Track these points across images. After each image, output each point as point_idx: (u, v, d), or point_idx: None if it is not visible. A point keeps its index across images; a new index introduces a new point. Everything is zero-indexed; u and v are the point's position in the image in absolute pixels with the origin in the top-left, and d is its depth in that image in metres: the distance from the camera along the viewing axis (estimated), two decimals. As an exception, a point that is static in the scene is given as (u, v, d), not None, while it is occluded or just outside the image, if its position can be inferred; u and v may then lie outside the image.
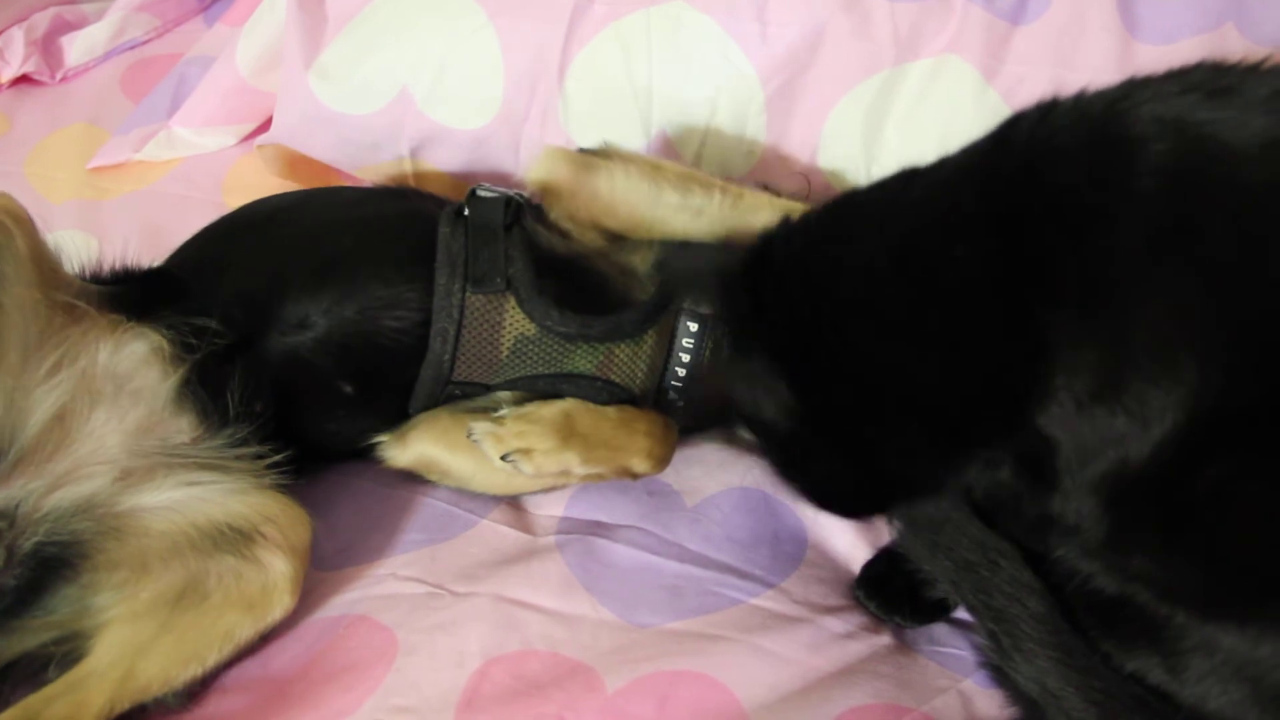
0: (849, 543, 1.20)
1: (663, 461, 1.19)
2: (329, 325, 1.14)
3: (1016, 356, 0.83)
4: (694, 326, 1.19)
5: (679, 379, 1.21)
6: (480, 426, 1.14)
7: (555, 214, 1.22)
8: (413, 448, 1.20)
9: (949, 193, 0.88)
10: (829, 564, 1.19)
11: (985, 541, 0.98)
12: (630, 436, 1.16)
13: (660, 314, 1.19)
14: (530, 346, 1.16)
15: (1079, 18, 1.30)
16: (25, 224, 1.07)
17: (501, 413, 1.15)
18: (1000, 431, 0.89)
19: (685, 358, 1.20)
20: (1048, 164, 0.82)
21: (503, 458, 1.13)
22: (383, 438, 1.20)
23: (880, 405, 0.91)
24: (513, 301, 1.15)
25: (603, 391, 1.19)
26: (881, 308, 0.89)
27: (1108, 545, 0.85)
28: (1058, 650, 0.93)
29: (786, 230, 1.00)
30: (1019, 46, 1.31)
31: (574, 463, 1.14)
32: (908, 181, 0.93)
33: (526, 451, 1.13)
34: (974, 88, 1.32)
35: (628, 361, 1.19)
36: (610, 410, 1.17)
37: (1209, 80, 0.81)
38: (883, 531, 1.20)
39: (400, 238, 1.21)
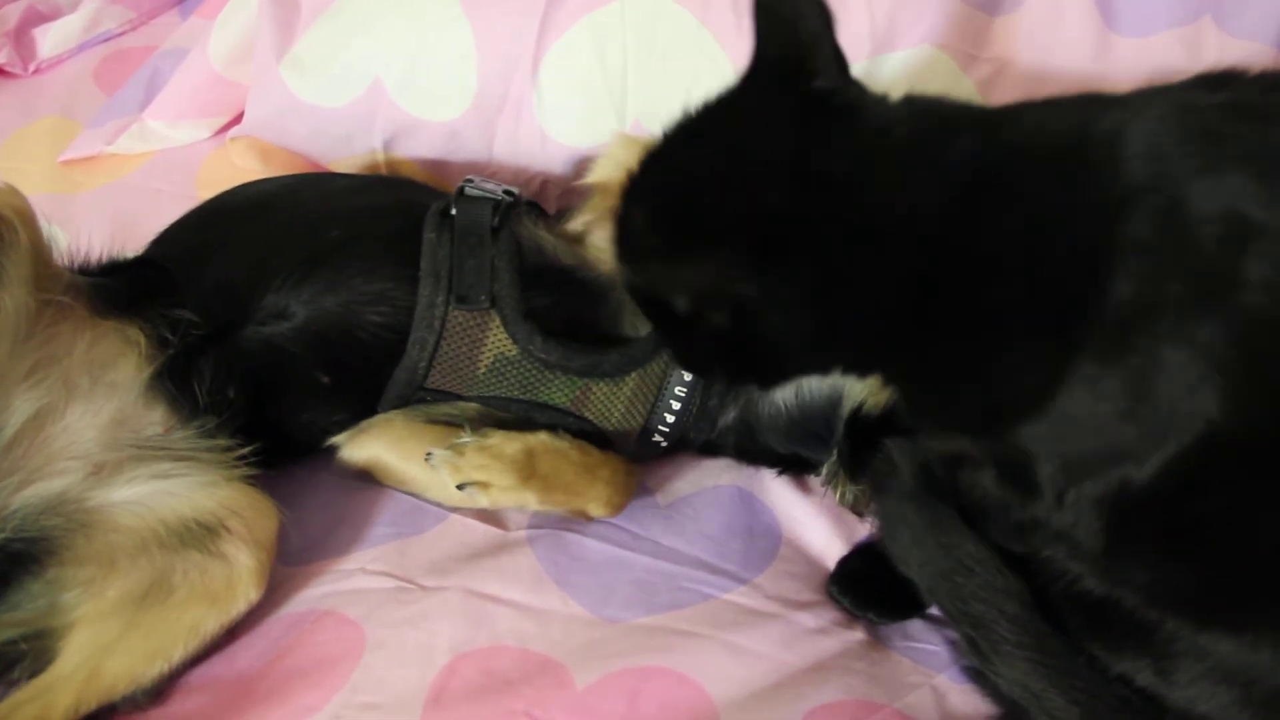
0: (824, 539, 1.19)
1: (619, 509, 1.17)
2: (308, 315, 1.13)
3: (1023, 375, 0.80)
4: (687, 376, 1.18)
5: (666, 425, 1.20)
6: (440, 454, 1.12)
7: (592, 217, 1.20)
8: (365, 449, 1.18)
9: (1008, 203, 0.80)
10: (803, 560, 1.18)
11: (960, 545, 0.97)
12: (591, 484, 1.15)
13: (646, 360, 1.17)
14: (509, 368, 1.15)
15: (1056, 9, 1.30)
16: (29, 220, 1.07)
17: (463, 440, 1.13)
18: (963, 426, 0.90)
19: (676, 405, 1.19)
20: (1122, 204, 0.76)
21: (459, 486, 1.12)
22: (339, 438, 1.19)
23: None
24: (497, 321, 1.13)
25: (573, 425, 1.18)
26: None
27: (1103, 556, 0.84)
28: (1038, 652, 0.92)
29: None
30: (996, 37, 1.31)
31: (530, 500, 1.14)
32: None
33: (484, 485, 1.12)
34: (951, 78, 1.31)
35: (604, 400, 1.17)
36: (574, 453, 1.15)
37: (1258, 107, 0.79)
38: (858, 528, 1.20)
39: (388, 232, 1.19)
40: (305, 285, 1.13)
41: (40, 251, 1.08)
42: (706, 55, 1.34)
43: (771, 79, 0.88)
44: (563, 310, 1.17)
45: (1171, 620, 0.84)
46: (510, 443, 1.13)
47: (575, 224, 1.21)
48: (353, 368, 1.16)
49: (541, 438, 1.15)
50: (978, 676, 1.00)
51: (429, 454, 1.13)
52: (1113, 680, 0.91)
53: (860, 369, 0.92)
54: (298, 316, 1.13)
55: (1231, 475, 0.77)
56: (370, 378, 1.16)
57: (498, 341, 1.14)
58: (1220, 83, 0.84)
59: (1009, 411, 0.82)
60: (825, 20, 0.85)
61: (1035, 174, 0.80)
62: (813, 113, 0.85)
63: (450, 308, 1.13)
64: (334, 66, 1.46)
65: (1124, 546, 0.84)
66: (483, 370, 1.15)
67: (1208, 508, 0.78)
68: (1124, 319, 0.75)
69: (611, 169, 1.19)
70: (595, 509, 1.16)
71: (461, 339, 1.13)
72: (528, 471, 1.12)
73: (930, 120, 0.86)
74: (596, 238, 1.20)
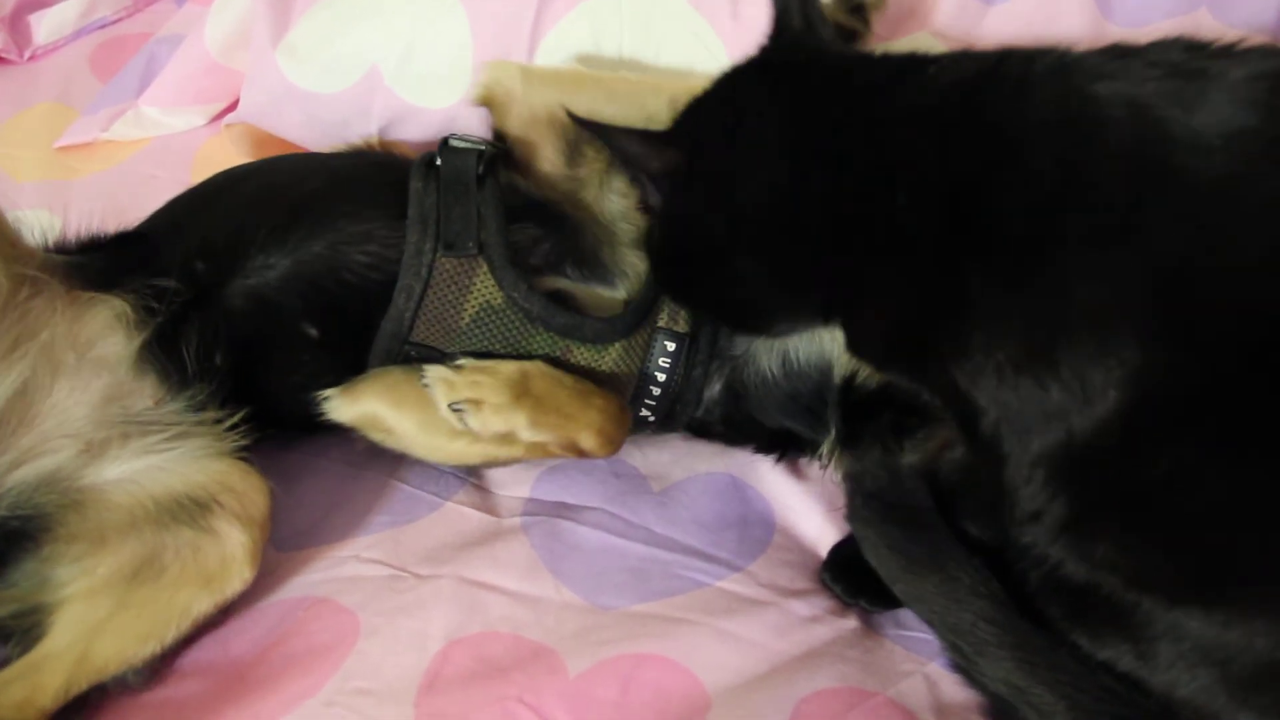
0: (817, 526, 1.19)
1: (612, 442, 1.16)
2: (294, 260, 1.12)
3: (936, 300, 0.84)
4: (670, 345, 1.18)
5: (653, 397, 1.20)
6: (435, 370, 1.11)
7: (510, 139, 1.22)
8: (361, 402, 1.15)
9: (917, 125, 0.87)
10: (796, 548, 1.18)
11: (929, 555, 0.99)
12: (584, 409, 1.13)
13: (628, 331, 1.16)
14: (493, 318, 1.14)
15: (1051, -2, 1.30)
16: None
17: (459, 362, 1.13)
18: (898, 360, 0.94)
19: (660, 376, 1.18)
20: (1016, 133, 0.82)
21: (451, 406, 1.10)
22: (330, 391, 1.16)
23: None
24: (484, 268, 1.13)
25: None
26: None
27: (1068, 529, 0.85)
28: (1019, 650, 0.93)
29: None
30: (992, 25, 1.31)
31: (521, 424, 1.11)
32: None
33: (476, 403, 1.10)
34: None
35: (586, 365, 1.17)
36: (569, 379, 1.14)
37: (1185, 61, 0.81)
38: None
39: (370, 179, 1.20)
40: (290, 233, 1.12)
41: (3, 231, 1.08)
42: (701, 41, 1.34)
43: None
44: (545, 244, 1.17)
45: (1147, 601, 0.84)
46: (505, 364, 1.13)
47: (509, 145, 1.22)
48: (340, 317, 1.15)
49: (538, 363, 1.14)
50: (965, 673, 1.00)
51: (423, 373, 1.11)
52: (1096, 669, 0.91)
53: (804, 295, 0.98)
54: (283, 264, 1.12)
55: (1172, 434, 0.77)
56: (357, 328, 1.15)
57: (484, 289, 1.13)
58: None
59: (937, 345, 0.85)
60: None
61: (937, 102, 0.87)
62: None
63: (438, 255, 1.12)
64: (330, 53, 1.46)
65: (1089, 521, 0.85)
66: (467, 320, 1.14)
67: (1157, 473, 0.79)
68: (1022, 248, 0.78)
69: (486, 80, 1.23)
70: (588, 438, 1.13)
71: (448, 287, 1.13)
72: (521, 389, 1.11)
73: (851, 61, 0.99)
74: (534, 164, 1.21)
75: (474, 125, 1.44)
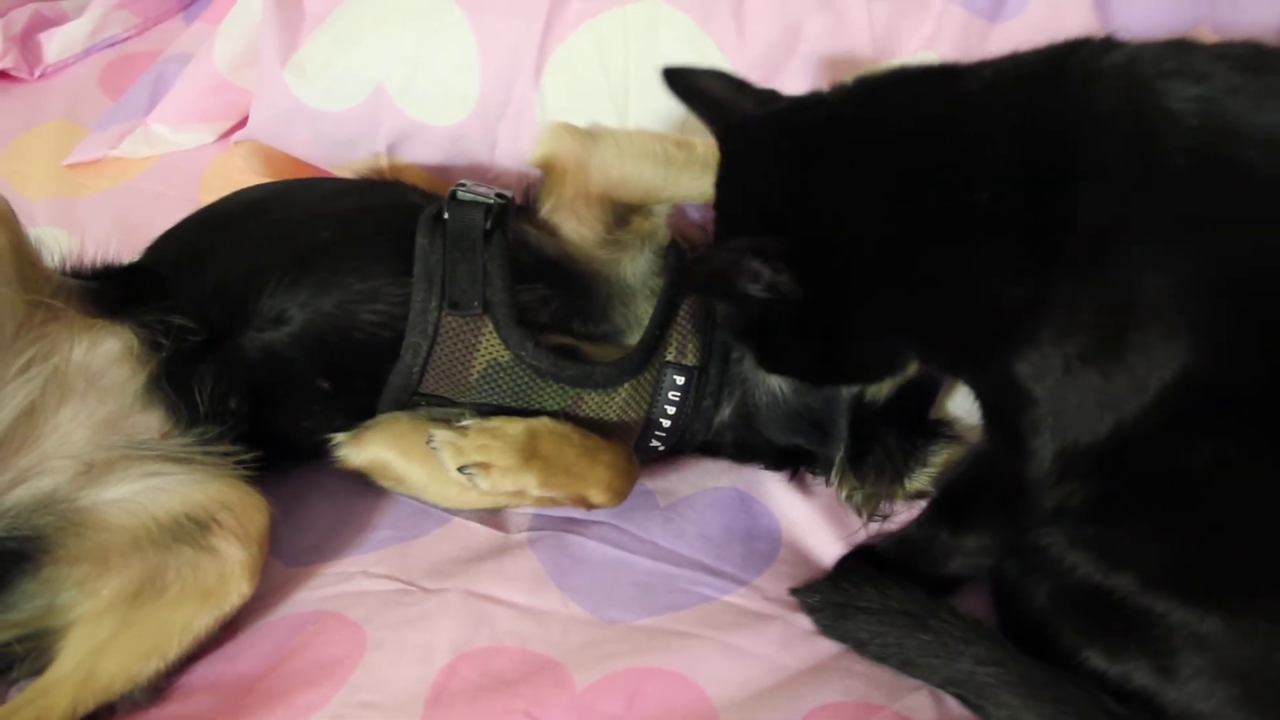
0: (823, 541, 1.20)
1: (620, 495, 1.17)
2: (306, 319, 1.13)
3: (1011, 299, 0.83)
4: (680, 380, 1.18)
5: (663, 429, 1.21)
6: (441, 435, 1.12)
7: (553, 202, 1.21)
8: (368, 449, 1.18)
9: (988, 122, 0.87)
10: (802, 562, 1.18)
11: (912, 621, 1.01)
12: (592, 467, 1.14)
13: (638, 370, 1.17)
14: (501, 374, 1.15)
15: (1056, 16, 1.30)
16: (8, 219, 1.08)
17: (465, 423, 1.14)
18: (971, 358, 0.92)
19: (671, 410, 1.19)
20: (1088, 126, 0.82)
21: (460, 469, 1.11)
22: (340, 437, 1.18)
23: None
24: (489, 326, 1.14)
25: None
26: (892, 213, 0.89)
27: (1094, 518, 0.85)
28: (1022, 685, 0.94)
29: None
30: (996, 44, 1.30)
31: (531, 484, 1.12)
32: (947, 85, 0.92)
33: (485, 466, 1.11)
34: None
35: (596, 408, 1.18)
36: (576, 436, 1.15)
37: (1251, 56, 0.82)
38: (857, 530, 1.20)
39: (380, 231, 1.20)
40: (300, 287, 1.13)
41: (24, 252, 1.09)
42: (706, 59, 1.35)
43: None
44: (554, 304, 1.18)
45: (1166, 604, 0.85)
46: (513, 424, 1.13)
47: (543, 211, 1.22)
48: (351, 371, 1.16)
49: (545, 421, 1.15)
50: (974, 708, 1.01)
51: (430, 435, 1.12)
52: (1103, 693, 0.91)
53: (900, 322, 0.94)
54: (295, 321, 1.13)
55: (1217, 427, 0.78)
56: (368, 381, 1.17)
57: (490, 347, 1.14)
58: None
59: (1003, 338, 0.85)
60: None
61: (1004, 98, 0.87)
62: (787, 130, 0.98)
63: (443, 313, 1.13)
64: (338, 71, 1.47)
65: (1118, 513, 0.85)
66: (475, 376, 1.15)
67: (1197, 465, 0.79)
68: (1093, 240, 0.78)
69: (550, 148, 1.22)
70: (597, 494, 1.15)
71: (454, 344, 1.14)
72: (530, 452, 1.12)
73: (887, 82, 0.96)
74: (568, 228, 1.21)
75: (479, 143, 1.46)
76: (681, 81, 1.06)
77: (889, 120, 0.91)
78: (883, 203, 0.88)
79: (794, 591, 1.09)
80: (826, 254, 0.89)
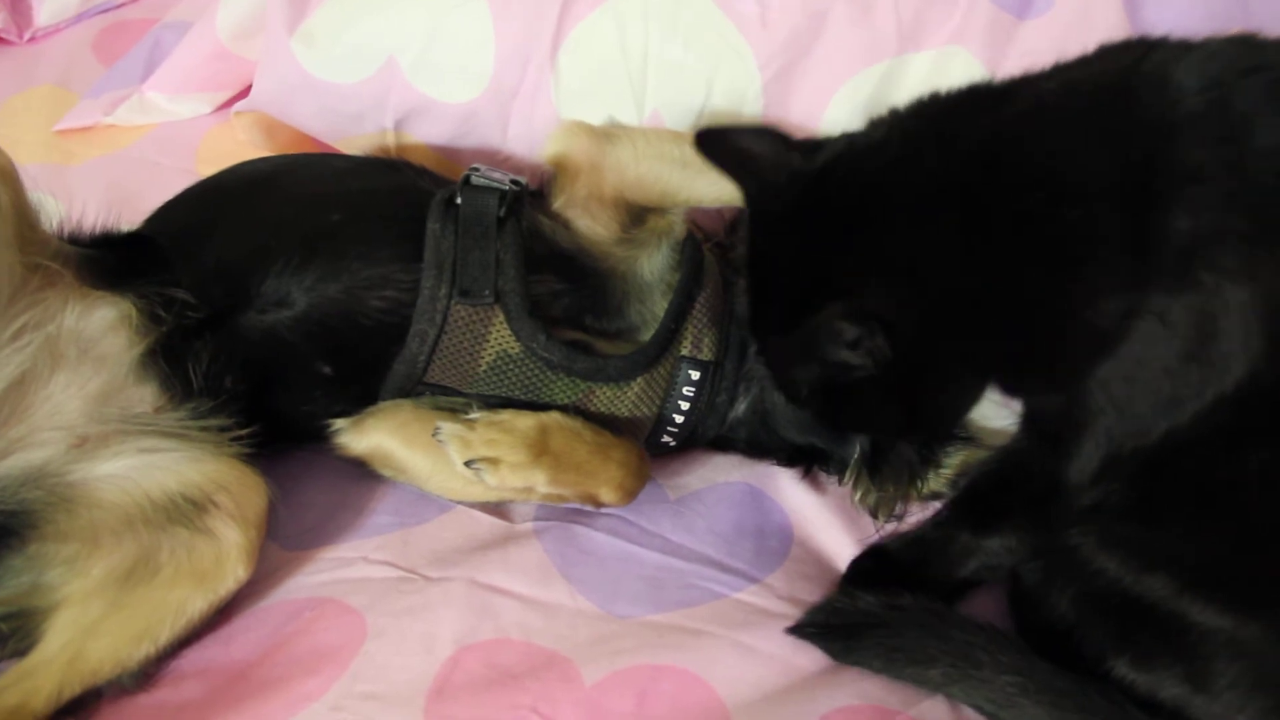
0: (836, 539, 1.17)
1: (631, 494, 1.14)
2: (310, 302, 1.10)
3: (1109, 315, 0.82)
4: (695, 374, 1.16)
5: (675, 425, 1.18)
6: (449, 427, 1.08)
7: (565, 199, 1.19)
8: (369, 437, 1.14)
9: (1063, 139, 0.85)
10: (815, 560, 1.16)
11: (925, 618, 1.00)
12: (603, 464, 1.11)
13: (651, 365, 1.14)
14: (511, 365, 1.12)
15: (1085, 14, 1.28)
16: (11, 179, 1.04)
17: (473, 415, 1.10)
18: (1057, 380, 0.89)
19: (684, 405, 1.17)
20: (1174, 132, 0.80)
21: (467, 463, 1.08)
22: (340, 423, 1.15)
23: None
24: (500, 317, 1.10)
25: None
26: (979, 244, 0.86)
27: (1132, 516, 0.83)
28: (1045, 693, 0.92)
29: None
30: (1024, 40, 1.29)
31: (540, 481, 1.09)
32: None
33: (493, 461, 1.08)
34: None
35: (608, 403, 1.15)
36: (587, 432, 1.12)
37: None
38: (870, 529, 1.18)
39: (390, 215, 1.16)
40: (306, 270, 1.10)
41: (25, 214, 1.06)
42: (728, 43, 1.32)
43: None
44: (566, 298, 1.15)
45: (1202, 610, 0.83)
46: (522, 418, 1.10)
47: (556, 206, 1.19)
48: (354, 357, 1.13)
49: (555, 415, 1.12)
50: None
51: (437, 427, 1.09)
52: (1134, 700, 0.90)
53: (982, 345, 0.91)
54: (299, 304, 1.10)
55: (1270, 438, 0.77)
56: (371, 368, 1.13)
57: (500, 338, 1.11)
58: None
59: (1094, 354, 0.83)
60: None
61: (1077, 112, 0.85)
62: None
63: (453, 301, 1.10)
64: (347, 42, 1.43)
65: (1156, 512, 0.84)
66: (484, 367, 1.12)
67: (1249, 469, 0.78)
68: (1185, 248, 0.77)
69: (563, 146, 1.19)
70: (607, 493, 1.12)
71: (463, 334, 1.10)
72: (540, 448, 1.09)
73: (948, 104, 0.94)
74: (582, 225, 1.18)
75: (491, 123, 1.43)
76: (717, 144, 1.01)
77: (948, 153, 0.87)
78: (964, 241, 0.84)
79: (791, 630, 1.04)
80: (911, 306, 0.85)
